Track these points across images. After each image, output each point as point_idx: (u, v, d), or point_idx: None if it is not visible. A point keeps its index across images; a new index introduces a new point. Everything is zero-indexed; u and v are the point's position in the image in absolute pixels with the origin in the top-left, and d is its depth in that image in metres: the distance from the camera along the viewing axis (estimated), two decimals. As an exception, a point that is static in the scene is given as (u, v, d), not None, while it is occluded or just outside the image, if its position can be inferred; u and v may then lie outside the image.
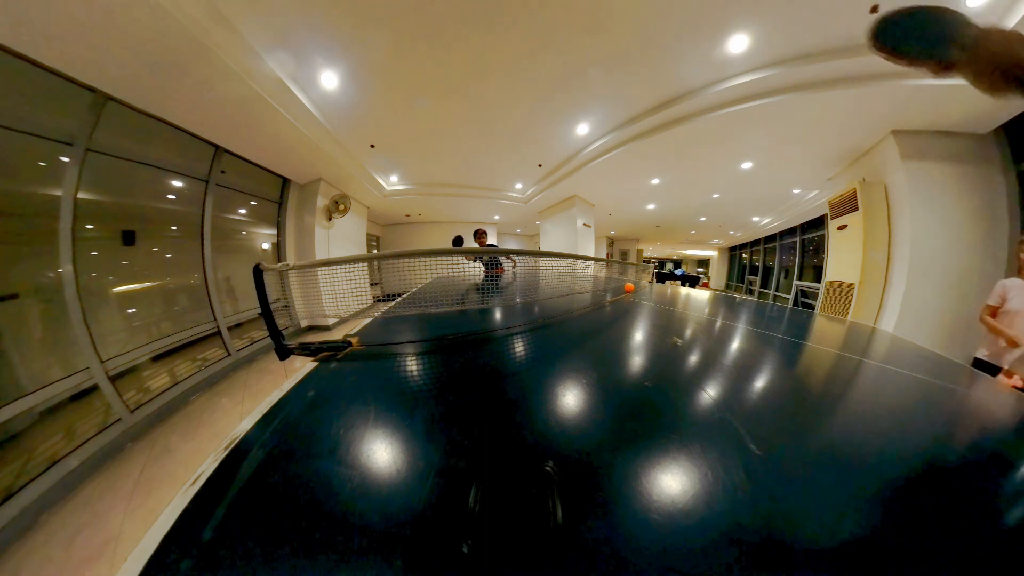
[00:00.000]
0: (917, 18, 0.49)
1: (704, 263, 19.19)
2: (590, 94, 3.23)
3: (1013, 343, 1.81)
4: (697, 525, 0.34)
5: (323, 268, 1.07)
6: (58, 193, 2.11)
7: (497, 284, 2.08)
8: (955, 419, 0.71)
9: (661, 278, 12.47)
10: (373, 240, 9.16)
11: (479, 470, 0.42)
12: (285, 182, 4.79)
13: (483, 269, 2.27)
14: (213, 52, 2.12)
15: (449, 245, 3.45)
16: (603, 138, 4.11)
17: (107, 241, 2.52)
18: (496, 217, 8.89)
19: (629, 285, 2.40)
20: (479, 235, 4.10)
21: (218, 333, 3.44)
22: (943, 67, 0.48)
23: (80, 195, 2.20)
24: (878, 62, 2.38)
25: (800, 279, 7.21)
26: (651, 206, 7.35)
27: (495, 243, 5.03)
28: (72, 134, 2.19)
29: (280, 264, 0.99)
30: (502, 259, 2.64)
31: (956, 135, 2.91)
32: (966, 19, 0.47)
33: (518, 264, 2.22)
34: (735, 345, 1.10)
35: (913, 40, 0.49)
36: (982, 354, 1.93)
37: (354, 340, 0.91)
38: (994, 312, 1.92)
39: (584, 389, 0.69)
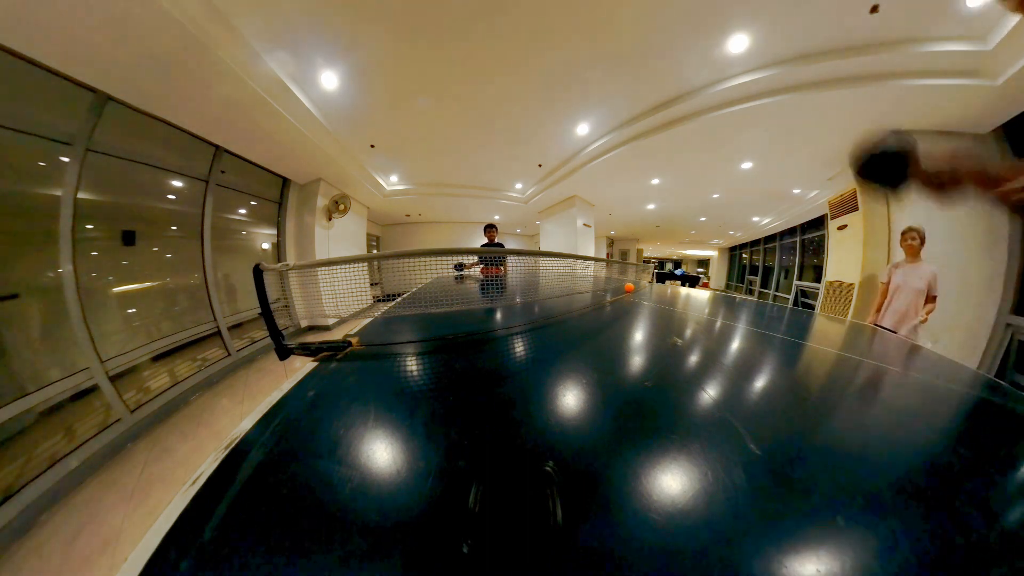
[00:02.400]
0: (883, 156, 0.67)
1: (704, 263, 19.20)
2: (590, 94, 3.23)
3: (876, 311, 2.57)
4: (697, 525, 0.34)
5: (323, 268, 1.07)
6: (58, 193, 2.11)
7: (498, 284, 2.08)
8: (955, 418, 0.71)
9: (661, 278, 12.47)
10: (373, 240, 9.16)
11: (479, 470, 0.42)
12: (285, 182, 4.79)
13: (480, 268, 2.26)
14: (213, 52, 2.12)
15: (445, 246, 3.45)
16: (603, 138, 4.11)
17: (107, 241, 2.52)
18: (496, 217, 8.90)
19: (629, 285, 2.40)
20: (488, 229, 3.95)
21: (218, 333, 3.44)
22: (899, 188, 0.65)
23: (80, 195, 2.20)
24: (878, 62, 2.40)
25: (800, 279, 7.21)
26: (651, 206, 7.35)
27: (502, 243, 4.93)
28: (72, 134, 2.19)
29: (280, 264, 0.99)
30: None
31: (956, 135, 2.91)
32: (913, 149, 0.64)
33: (508, 269, 2.20)
34: (735, 345, 1.10)
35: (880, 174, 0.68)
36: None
37: (354, 340, 0.91)
38: (885, 288, 2.54)
39: (584, 389, 0.69)
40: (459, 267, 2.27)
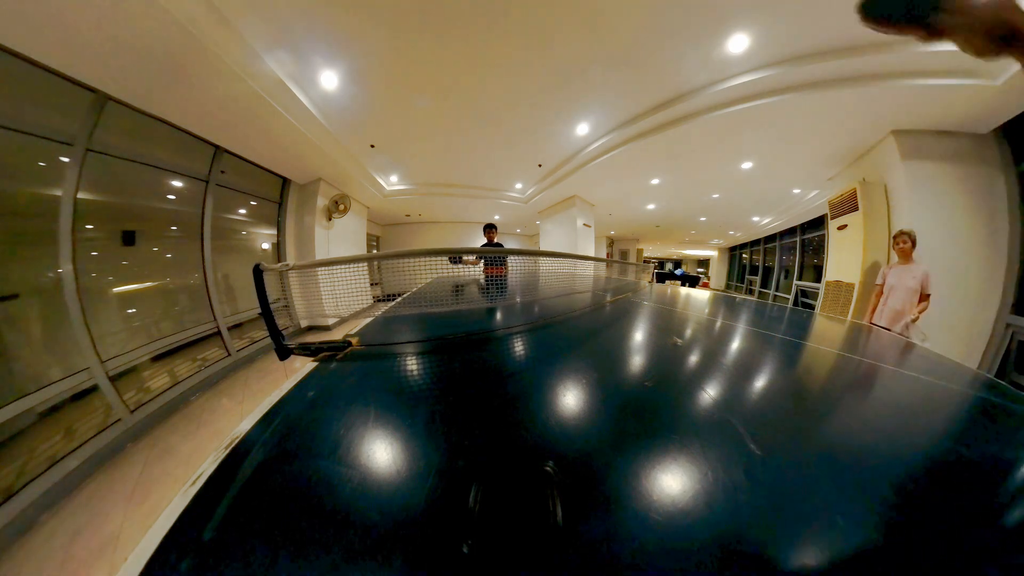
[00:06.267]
0: None
1: (704, 263, 19.20)
2: (590, 94, 3.23)
3: (872, 311, 2.71)
4: (697, 525, 0.34)
5: (323, 268, 1.07)
6: (58, 193, 2.11)
7: (499, 284, 2.08)
8: (955, 418, 0.71)
9: (661, 278, 12.46)
10: (373, 240, 9.16)
11: (479, 470, 0.42)
12: (285, 182, 4.79)
13: (482, 268, 2.25)
14: (213, 52, 2.12)
15: (445, 245, 3.41)
16: (603, 138, 4.11)
17: (107, 241, 2.52)
18: (496, 217, 8.90)
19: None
20: (488, 229, 3.92)
21: (218, 333, 3.44)
22: (931, 33, 0.48)
23: (80, 195, 2.20)
24: (878, 62, 2.40)
25: (800, 279, 7.21)
26: (651, 206, 7.35)
27: (501, 243, 4.86)
28: (72, 134, 2.19)
29: (280, 264, 0.99)
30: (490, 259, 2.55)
31: (956, 135, 2.91)
32: None
33: (509, 269, 2.18)
34: (735, 345, 1.10)
35: (899, 8, 0.48)
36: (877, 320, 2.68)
37: (354, 340, 0.91)
38: (880, 290, 2.67)
39: (584, 389, 0.69)
40: (454, 259, 2.20)
